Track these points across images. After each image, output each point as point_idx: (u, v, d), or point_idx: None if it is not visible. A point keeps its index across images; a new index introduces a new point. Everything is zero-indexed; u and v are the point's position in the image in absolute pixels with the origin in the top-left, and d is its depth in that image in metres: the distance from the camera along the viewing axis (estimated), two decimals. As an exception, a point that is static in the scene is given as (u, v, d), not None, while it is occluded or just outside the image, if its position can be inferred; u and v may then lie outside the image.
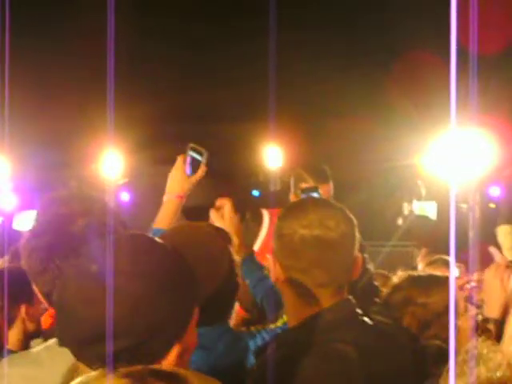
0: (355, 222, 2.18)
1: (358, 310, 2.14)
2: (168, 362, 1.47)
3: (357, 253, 2.18)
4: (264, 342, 2.41)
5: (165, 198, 2.99)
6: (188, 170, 3.01)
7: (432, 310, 2.69)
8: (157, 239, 1.60)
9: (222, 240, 2.57)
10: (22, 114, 18.90)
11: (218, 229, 2.69)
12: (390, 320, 2.31)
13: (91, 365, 1.48)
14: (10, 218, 12.48)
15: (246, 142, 22.03)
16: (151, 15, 25.31)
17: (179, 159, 3.09)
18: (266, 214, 4.32)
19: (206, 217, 3.06)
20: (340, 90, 24.59)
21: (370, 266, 2.82)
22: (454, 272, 3.41)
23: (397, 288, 2.78)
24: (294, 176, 4.35)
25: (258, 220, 4.39)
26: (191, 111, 26.09)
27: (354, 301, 2.16)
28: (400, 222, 18.88)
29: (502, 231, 8.44)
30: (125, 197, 23.31)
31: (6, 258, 5.31)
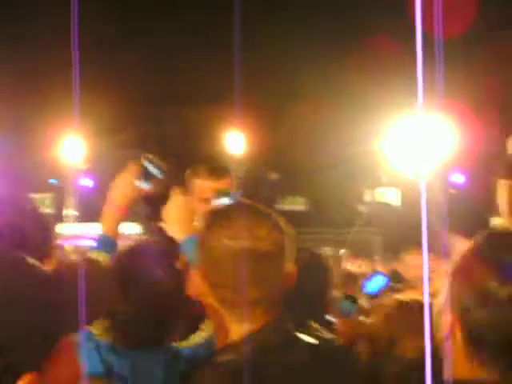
0: (287, 228, 1.95)
1: (292, 328, 1.96)
2: None
3: (289, 263, 1.90)
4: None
5: (104, 208, 2.61)
6: (142, 181, 2.61)
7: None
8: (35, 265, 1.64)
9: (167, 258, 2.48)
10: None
11: (165, 249, 2.56)
12: (332, 336, 2.14)
13: None
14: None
15: (208, 127, 21.97)
16: (116, 1, 25.11)
17: (129, 167, 2.64)
18: None
19: (164, 204, 2.81)
20: (301, 75, 24.60)
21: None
22: (426, 262, 3.35)
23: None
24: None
25: None
26: (154, 95, 25.96)
27: (286, 318, 1.97)
28: (361, 208, 18.98)
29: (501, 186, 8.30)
30: (87, 182, 23.12)
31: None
